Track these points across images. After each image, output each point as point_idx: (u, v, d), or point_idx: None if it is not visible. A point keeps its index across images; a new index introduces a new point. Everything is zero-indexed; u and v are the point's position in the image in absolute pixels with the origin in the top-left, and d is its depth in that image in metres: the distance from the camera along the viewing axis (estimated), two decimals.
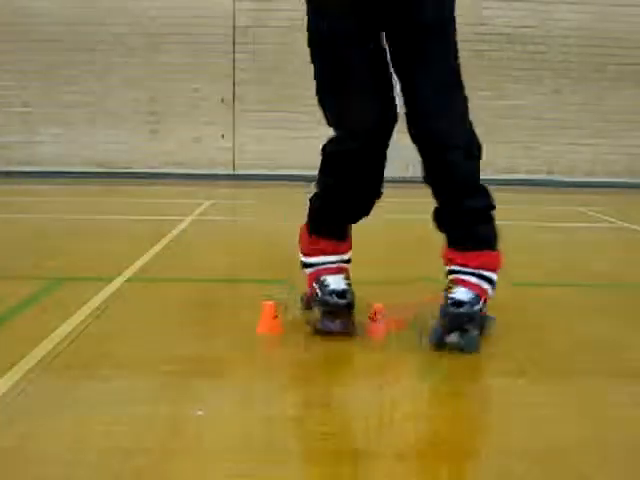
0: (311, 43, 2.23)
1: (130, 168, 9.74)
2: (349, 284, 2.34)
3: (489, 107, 9.88)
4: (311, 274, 2.39)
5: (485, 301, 2.23)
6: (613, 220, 6.04)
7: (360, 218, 2.39)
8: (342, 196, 2.30)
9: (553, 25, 10.00)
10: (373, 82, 2.19)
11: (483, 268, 2.23)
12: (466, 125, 2.27)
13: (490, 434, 1.60)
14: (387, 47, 2.24)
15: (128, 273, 3.19)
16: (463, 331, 2.14)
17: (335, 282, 2.32)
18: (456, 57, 2.23)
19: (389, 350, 2.19)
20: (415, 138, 2.22)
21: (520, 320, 2.56)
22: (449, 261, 2.29)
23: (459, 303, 2.16)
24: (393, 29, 2.20)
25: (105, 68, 9.83)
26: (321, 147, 2.28)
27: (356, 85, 2.18)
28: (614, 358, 2.17)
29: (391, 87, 2.23)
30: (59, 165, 9.69)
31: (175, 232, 4.62)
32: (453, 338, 2.14)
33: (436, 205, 2.29)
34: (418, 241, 4.63)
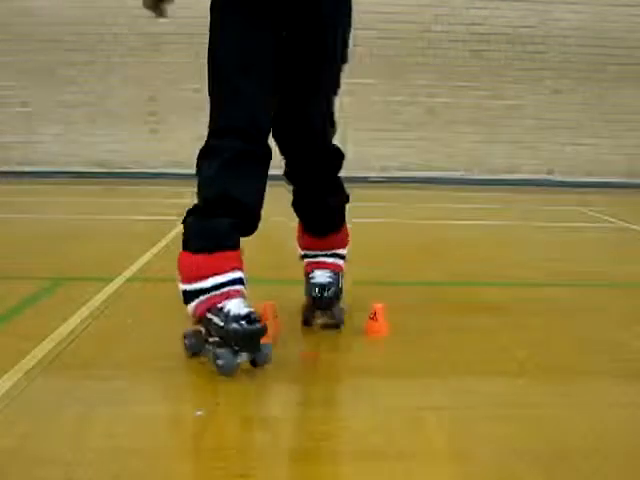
0: (211, 27, 2.15)
1: (130, 168, 9.74)
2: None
3: (489, 107, 9.89)
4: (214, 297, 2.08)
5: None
6: (613, 220, 6.04)
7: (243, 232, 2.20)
8: (219, 199, 2.22)
9: (553, 25, 10.00)
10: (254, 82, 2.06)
11: (336, 247, 2.45)
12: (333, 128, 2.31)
13: (490, 434, 1.59)
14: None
15: (128, 273, 3.19)
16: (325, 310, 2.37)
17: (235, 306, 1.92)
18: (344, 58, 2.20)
19: (389, 350, 2.19)
20: (286, 136, 2.25)
21: (520, 320, 2.56)
22: (302, 244, 2.47)
23: (321, 286, 2.36)
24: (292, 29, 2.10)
25: (105, 68, 9.83)
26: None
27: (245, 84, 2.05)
28: (614, 358, 2.17)
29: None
30: (59, 165, 9.69)
31: (175, 232, 4.61)
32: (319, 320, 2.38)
33: (299, 197, 2.41)
34: (418, 243, 4.63)
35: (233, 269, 1.99)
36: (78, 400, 1.74)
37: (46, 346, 2.09)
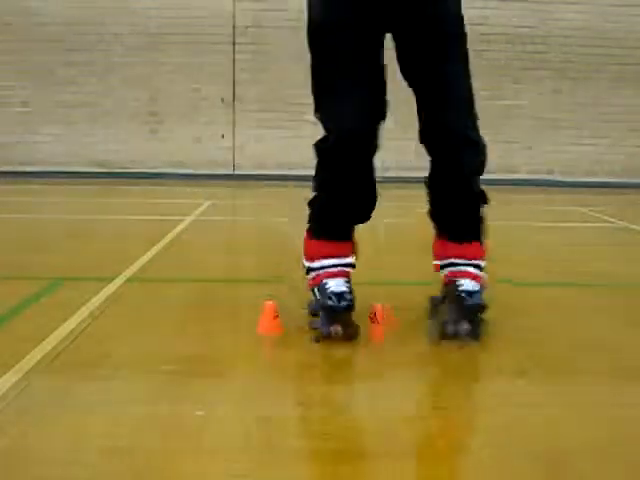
0: (309, 32, 2.22)
1: (130, 168, 9.74)
2: (349, 287, 2.29)
3: (489, 107, 9.85)
4: (313, 279, 2.35)
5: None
6: (613, 220, 6.04)
7: (358, 221, 2.37)
8: (334, 194, 2.29)
9: (553, 25, 10.00)
10: (366, 80, 2.19)
11: (479, 258, 2.35)
12: (477, 123, 2.35)
13: (490, 434, 1.59)
14: (396, 48, 2.25)
15: (128, 273, 3.19)
16: (472, 320, 2.23)
17: (335, 285, 2.28)
18: (465, 54, 2.32)
19: (389, 349, 2.19)
20: (431, 135, 2.27)
21: (520, 320, 2.56)
22: (444, 254, 2.36)
23: (469, 293, 2.26)
24: (401, 28, 2.20)
25: (105, 68, 9.83)
26: (313, 146, 2.27)
27: (345, 82, 2.16)
28: (614, 358, 2.17)
29: (384, 89, 2.24)
30: (59, 165, 9.69)
31: (175, 232, 4.62)
32: (464, 327, 2.21)
33: (435, 200, 2.37)
34: (418, 243, 4.63)
35: (338, 255, 2.31)
36: (78, 400, 1.74)
37: (46, 346, 2.09)
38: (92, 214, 5.70)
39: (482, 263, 2.36)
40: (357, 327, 2.24)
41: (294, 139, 9.51)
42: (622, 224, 5.79)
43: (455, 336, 2.21)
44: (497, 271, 3.61)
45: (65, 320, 2.36)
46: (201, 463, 1.42)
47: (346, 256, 2.36)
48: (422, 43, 2.21)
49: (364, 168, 2.26)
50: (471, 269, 2.32)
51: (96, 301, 2.65)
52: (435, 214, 2.40)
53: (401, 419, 1.67)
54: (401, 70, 2.28)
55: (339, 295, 2.25)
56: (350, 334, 2.21)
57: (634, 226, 5.56)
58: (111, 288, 2.88)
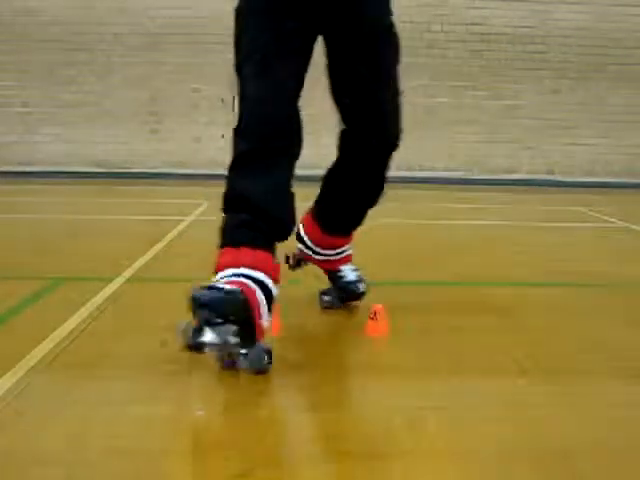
0: (237, 31, 2.20)
1: (130, 168, 9.74)
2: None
3: (489, 107, 9.90)
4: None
5: None
6: (613, 220, 6.04)
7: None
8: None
9: (553, 25, 10.01)
10: (279, 83, 2.09)
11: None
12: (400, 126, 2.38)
13: (490, 434, 1.59)
14: (326, 51, 2.22)
15: (128, 273, 3.19)
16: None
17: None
18: (397, 60, 2.28)
19: (389, 350, 2.19)
20: (355, 135, 2.28)
21: (520, 320, 2.56)
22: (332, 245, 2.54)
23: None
24: (334, 31, 2.17)
25: (105, 68, 9.84)
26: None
27: (265, 74, 2.09)
28: (614, 358, 2.17)
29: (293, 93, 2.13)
30: (59, 165, 9.69)
31: (175, 232, 4.62)
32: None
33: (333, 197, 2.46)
34: (418, 243, 4.63)
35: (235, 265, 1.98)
36: (78, 400, 1.74)
37: (46, 346, 2.09)
38: (92, 214, 5.70)
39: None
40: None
41: None
42: (622, 224, 5.79)
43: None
44: (497, 271, 3.62)
45: (65, 320, 2.36)
46: (201, 463, 1.42)
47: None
48: (352, 47, 2.17)
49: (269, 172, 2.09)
50: (349, 252, 2.61)
51: (96, 301, 2.65)
52: (330, 209, 2.49)
53: (401, 419, 1.67)
54: (330, 75, 2.24)
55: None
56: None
57: (634, 226, 5.56)
58: (111, 288, 2.88)
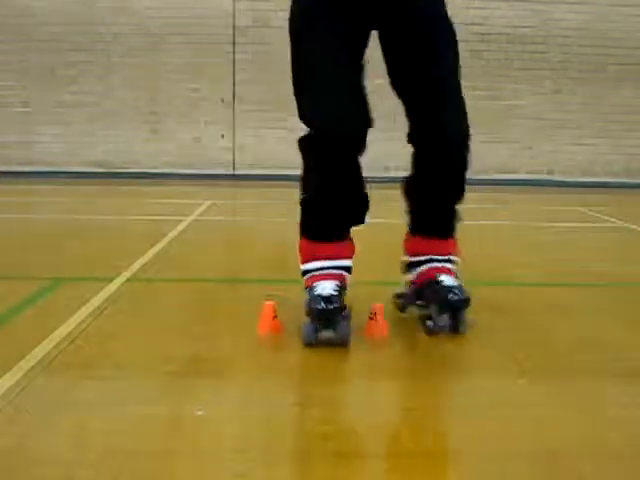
0: (292, 28, 2.21)
1: (130, 168, 9.73)
2: (339, 290, 2.21)
3: (489, 107, 9.88)
4: (306, 281, 2.30)
5: None
6: (613, 220, 6.04)
7: (349, 223, 2.33)
8: (321, 195, 2.26)
9: (553, 25, 10.00)
10: (348, 79, 2.17)
11: (454, 254, 2.44)
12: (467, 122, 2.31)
13: (490, 434, 1.59)
14: (383, 48, 2.25)
15: (128, 273, 3.19)
16: (456, 315, 2.29)
17: (322, 287, 2.20)
18: (456, 53, 2.26)
19: (389, 350, 2.19)
20: (428, 135, 2.27)
21: (520, 320, 2.56)
22: (422, 251, 2.42)
23: (451, 288, 2.30)
24: (388, 27, 2.20)
25: (105, 68, 9.83)
26: (298, 144, 2.24)
27: (329, 80, 2.14)
28: (614, 358, 2.17)
29: (363, 88, 2.21)
30: (59, 165, 9.68)
31: (175, 232, 4.62)
32: (448, 322, 2.28)
33: (422, 198, 2.42)
34: None
35: (327, 257, 2.25)
36: (78, 400, 1.74)
37: (46, 346, 2.09)
38: (92, 214, 5.70)
39: (456, 259, 2.43)
40: (347, 331, 2.15)
41: (294, 139, 9.49)
42: (622, 224, 5.79)
43: (440, 331, 2.26)
44: (497, 271, 3.62)
45: (65, 320, 2.36)
46: (201, 463, 1.42)
47: (340, 258, 2.29)
48: (411, 42, 2.20)
49: (351, 169, 2.23)
50: (448, 265, 2.40)
51: (96, 301, 2.65)
52: (419, 211, 2.45)
53: (400, 419, 1.67)
54: (389, 71, 2.28)
55: (326, 298, 2.15)
56: (340, 341, 2.15)
57: (634, 226, 5.56)
58: (111, 288, 2.88)
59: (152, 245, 3.97)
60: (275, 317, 2.30)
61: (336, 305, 2.14)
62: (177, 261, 3.70)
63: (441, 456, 1.48)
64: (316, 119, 2.16)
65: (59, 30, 9.67)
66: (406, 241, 2.50)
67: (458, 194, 2.39)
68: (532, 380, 1.95)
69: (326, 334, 2.15)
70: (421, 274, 2.42)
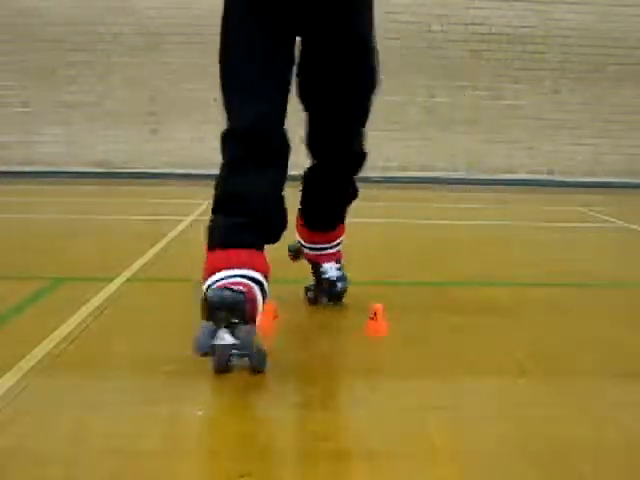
0: (223, 18, 2.11)
1: (130, 168, 9.73)
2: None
3: (489, 107, 9.89)
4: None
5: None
6: (613, 220, 6.04)
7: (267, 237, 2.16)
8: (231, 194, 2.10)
9: (553, 25, 10.00)
10: (271, 79, 2.08)
11: (340, 237, 2.65)
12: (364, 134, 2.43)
13: (490, 434, 1.59)
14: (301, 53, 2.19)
15: (128, 273, 3.19)
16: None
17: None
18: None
19: (389, 350, 2.19)
20: (319, 145, 2.39)
21: (520, 320, 2.56)
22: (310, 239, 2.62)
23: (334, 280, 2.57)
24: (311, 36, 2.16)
25: (105, 68, 9.83)
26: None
27: (249, 77, 2.05)
28: (614, 358, 2.17)
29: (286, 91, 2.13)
30: (59, 165, 9.69)
31: (175, 232, 4.62)
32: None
33: (311, 196, 2.53)
34: (418, 243, 4.63)
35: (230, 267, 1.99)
36: (78, 400, 1.74)
37: (46, 346, 2.09)
38: (92, 214, 5.70)
39: (340, 239, 2.64)
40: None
41: (293, 139, 9.49)
42: (622, 224, 5.79)
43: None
44: (497, 271, 3.62)
45: (65, 320, 2.35)
46: (201, 463, 1.42)
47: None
48: (329, 51, 2.17)
49: (266, 171, 2.09)
50: (332, 250, 2.61)
51: (96, 301, 2.65)
52: (308, 207, 2.58)
53: (400, 419, 1.67)
54: (298, 74, 2.22)
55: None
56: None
57: (634, 226, 5.56)
58: (111, 288, 2.88)
59: (152, 245, 3.97)
60: (275, 317, 2.30)
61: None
62: (177, 261, 3.70)
63: (440, 456, 1.48)
64: (233, 115, 2.08)
65: (59, 30, 9.68)
66: (298, 225, 2.65)
67: (344, 197, 2.55)
68: (532, 380, 1.95)
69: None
70: (307, 255, 2.66)
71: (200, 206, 6.13)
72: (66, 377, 1.91)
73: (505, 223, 5.85)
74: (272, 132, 2.07)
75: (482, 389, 1.89)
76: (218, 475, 1.38)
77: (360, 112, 2.33)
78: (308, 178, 2.50)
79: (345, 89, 2.22)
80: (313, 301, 2.64)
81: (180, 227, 4.85)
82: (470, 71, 9.86)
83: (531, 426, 1.64)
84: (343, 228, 2.66)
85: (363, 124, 2.37)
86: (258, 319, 1.94)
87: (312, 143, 2.38)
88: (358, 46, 2.20)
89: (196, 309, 2.66)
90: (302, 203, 2.60)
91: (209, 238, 2.06)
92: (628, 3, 9.93)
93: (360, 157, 2.43)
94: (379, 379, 1.95)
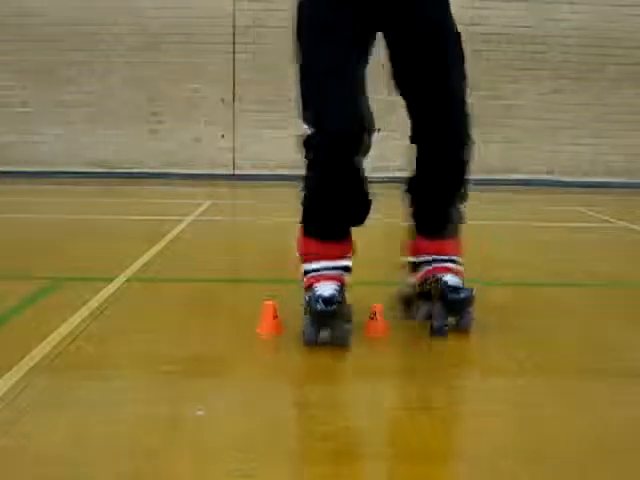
0: (299, 30, 2.21)
1: (130, 168, 9.73)
2: (339, 291, 2.21)
3: (489, 107, 9.88)
4: (306, 280, 2.30)
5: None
6: (613, 220, 6.04)
7: (349, 223, 2.34)
8: (321, 195, 2.27)
9: (553, 25, 10.00)
10: (353, 82, 2.19)
11: (458, 254, 2.44)
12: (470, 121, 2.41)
13: (490, 434, 1.59)
14: (388, 51, 2.26)
15: (128, 273, 3.19)
16: (461, 314, 2.34)
17: (323, 289, 2.21)
18: (463, 58, 2.35)
19: (389, 350, 2.19)
20: (430, 136, 2.34)
21: (520, 320, 2.56)
22: (423, 251, 2.43)
23: (455, 288, 2.32)
24: (394, 30, 2.21)
25: (105, 68, 9.83)
26: (302, 143, 2.25)
27: (335, 82, 2.15)
28: (614, 358, 2.17)
29: (365, 91, 2.23)
30: (59, 165, 9.68)
31: (175, 232, 4.62)
32: (447, 320, 2.31)
33: (422, 199, 2.44)
34: None
35: (327, 257, 2.25)
36: (78, 400, 1.74)
37: (46, 346, 2.09)
38: (92, 214, 5.70)
39: (459, 258, 2.44)
40: (347, 331, 2.15)
41: (294, 139, 9.48)
42: (622, 224, 5.79)
43: (441, 330, 2.27)
44: (497, 271, 3.62)
45: (65, 320, 2.36)
46: (201, 463, 1.42)
47: (340, 258, 2.30)
48: (417, 46, 2.23)
49: (349, 169, 2.24)
50: (450, 264, 2.40)
51: (96, 301, 2.65)
52: (420, 212, 2.46)
53: (399, 419, 1.67)
54: (394, 72, 2.30)
55: (326, 299, 2.15)
56: (339, 342, 2.14)
57: (634, 226, 5.56)
58: (111, 288, 2.88)
59: (152, 245, 3.97)
60: (275, 317, 2.30)
61: (336, 306, 2.14)
62: (177, 261, 3.70)
63: (440, 456, 1.48)
64: (315, 117, 2.18)
65: (59, 30, 9.67)
66: (408, 242, 2.50)
67: (459, 196, 2.44)
68: (532, 380, 1.95)
69: (326, 334, 2.16)
70: (424, 274, 2.42)
71: (200, 206, 6.13)
72: (66, 377, 1.91)
73: (505, 223, 5.85)
74: (366, 131, 2.18)
75: (482, 389, 1.89)
76: (217, 475, 1.38)
77: (457, 88, 2.33)
78: (416, 185, 2.45)
79: (437, 69, 2.26)
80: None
81: (180, 227, 4.85)
82: (470, 71, 9.84)
83: (531, 426, 1.64)
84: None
85: (466, 104, 2.36)
86: None
87: (417, 132, 2.39)
88: (443, 31, 2.27)
89: (196, 309, 2.66)
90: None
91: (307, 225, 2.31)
92: (628, 3, 9.93)
93: (470, 145, 2.40)
94: (379, 379, 1.95)
